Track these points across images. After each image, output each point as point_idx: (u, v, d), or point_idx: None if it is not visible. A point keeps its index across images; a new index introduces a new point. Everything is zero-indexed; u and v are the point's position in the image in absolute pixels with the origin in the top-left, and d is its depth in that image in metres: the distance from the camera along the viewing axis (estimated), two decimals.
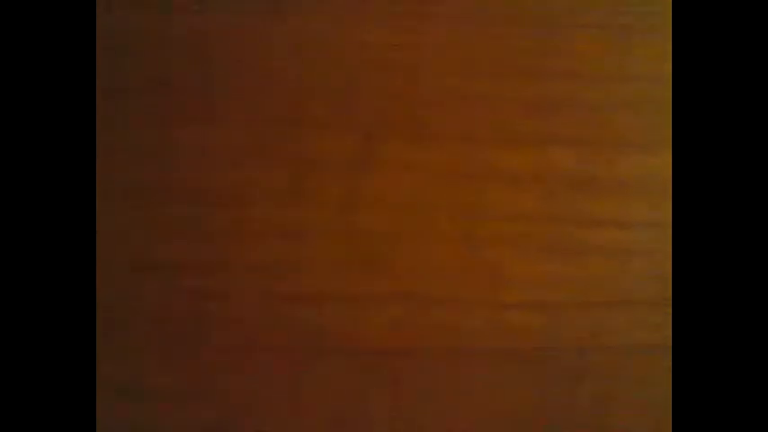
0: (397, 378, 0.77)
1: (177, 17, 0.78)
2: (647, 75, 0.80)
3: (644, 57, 0.80)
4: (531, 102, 0.79)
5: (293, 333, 0.77)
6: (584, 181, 0.79)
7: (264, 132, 0.78)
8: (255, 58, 0.78)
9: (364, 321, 0.77)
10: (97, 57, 0.77)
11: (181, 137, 0.77)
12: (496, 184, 0.78)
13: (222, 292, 0.76)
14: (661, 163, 0.79)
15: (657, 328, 0.78)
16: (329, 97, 0.78)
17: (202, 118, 0.78)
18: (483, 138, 0.78)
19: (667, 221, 0.78)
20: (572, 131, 0.79)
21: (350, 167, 0.78)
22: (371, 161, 0.78)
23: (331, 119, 0.78)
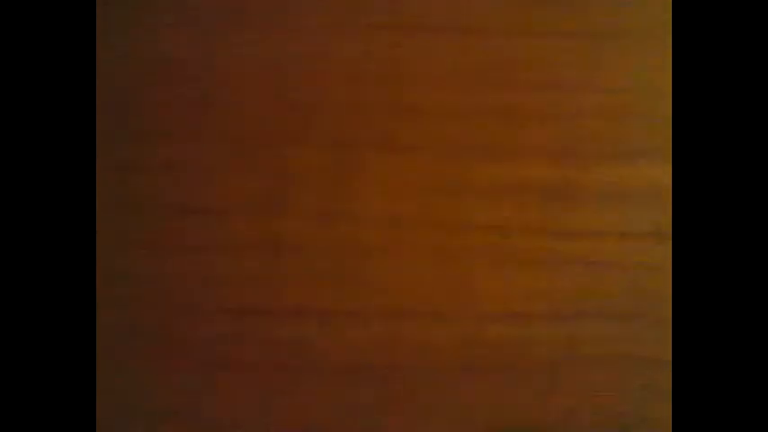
0: (376, 393, 0.77)
1: (162, 33, 0.78)
2: (622, 85, 0.79)
3: (618, 66, 0.79)
4: (506, 113, 0.79)
5: (272, 349, 0.77)
6: (559, 192, 0.78)
7: (242, 146, 0.78)
8: (231, 74, 0.78)
9: (343, 337, 0.77)
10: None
11: (159, 152, 0.78)
12: (471, 195, 0.78)
13: (198, 306, 0.77)
14: (637, 173, 0.79)
15: (632, 340, 0.78)
16: (305, 111, 0.78)
17: (180, 133, 0.78)
18: (458, 149, 0.78)
19: (642, 232, 0.78)
20: (546, 142, 0.79)
21: (326, 181, 0.78)
22: (347, 174, 0.78)
23: (307, 132, 0.78)
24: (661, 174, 0.78)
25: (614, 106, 0.79)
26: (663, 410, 0.77)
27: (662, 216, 0.78)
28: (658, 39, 0.79)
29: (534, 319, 0.77)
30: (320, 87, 0.78)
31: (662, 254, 0.77)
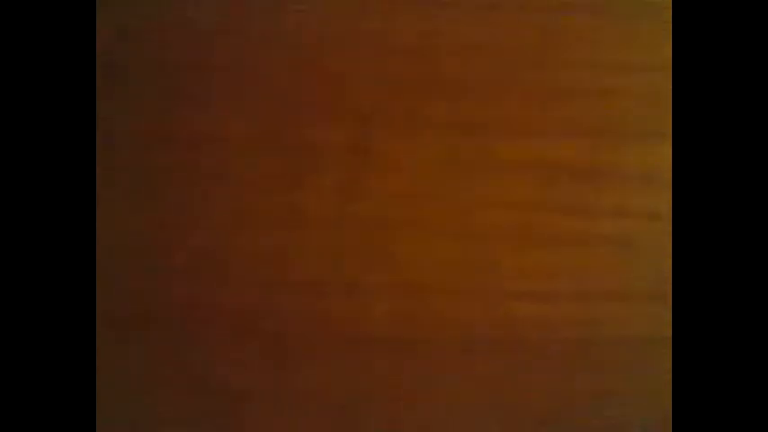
0: (396, 368, 0.76)
1: (176, 3, 0.77)
2: (654, 65, 0.78)
3: (651, 45, 0.78)
4: (533, 90, 0.78)
5: (291, 321, 0.77)
6: (586, 170, 0.78)
7: (263, 119, 0.77)
8: (255, 45, 0.78)
9: (363, 311, 0.77)
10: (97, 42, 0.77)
11: (177, 122, 0.77)
12: (496, 173, 0.78)
13: (220, 279, 0.76)
14: (666, 154, 0.78)
15: (657, 320, 0.77)
16: (328, 84, 0.78)
17: (199, 104, 0.77)
18: (483, 127, 0.78)
19: (669, 213, 0.77)
20: (574, 120, 0.78)
21: (348, 155, 0.77)
22: (370, 149, 0.77)
23: (330, 106, 0.77)
24: None
25: (646, 86, 0.78)
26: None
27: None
28: None
29: (559, 298, 0.77)
30: (345, 61, 0.78)
31: None
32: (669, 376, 0.77)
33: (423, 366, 0.77)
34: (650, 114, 0.78)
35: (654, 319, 0.77)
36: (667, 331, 0.77)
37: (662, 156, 0.78)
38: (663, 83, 0.78)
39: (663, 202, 0.78)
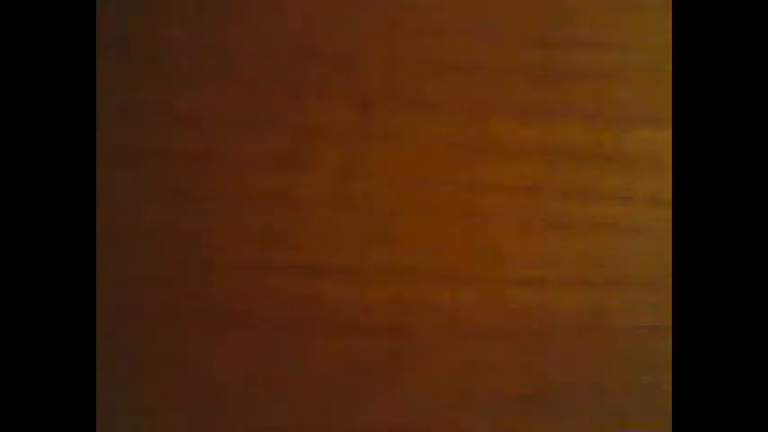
0: (393, 356, 0.75)
1: None
2: (660, 47, 0.77)
3: (660, 29, 0.77)
4: (537, 72, 0.76)
5: (284, 306, 0.75)
6: (590, 154, 0.76)
7: (263, 97, 0.76)
8: (256, 21, 0.76)
9: (362, 295, 0.75)
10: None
11: (178, 100, 0.75)
12: (499, 156, 0.76)
13: (213, 261, 0.75)
14: (669, 139, 0.77)
15: (659, 308, 0.76)
16: (330, 62, 0.76)
17: (200, 81, 0.75)
18: (486, 108, 0.76)
19: (671, 199, 0.76)
20: (579, 103, 0.76)
21: (349, 135, 0.76)
22: (371, 130, 0.76)
23: (331, 85, 0.76)
24: None
25: (651, 68, 0.77)
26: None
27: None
28: None
29: (561, 284, 0.76)
30: (349, 39, 0.76)
31: None
32: (670, 365, 0.76)
33: (420, 354, 0.75)
34: (654, 98, 0.77)
35: (657, 307, 0.76)
36: (670, 320, 0.76)
37: (665, 140, 0.77)
38: (666, 65, 0.77)
39: (666, 187, 0.77)
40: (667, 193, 0.76)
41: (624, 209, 0.76)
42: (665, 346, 0.76)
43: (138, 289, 0.74)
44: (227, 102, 0.75)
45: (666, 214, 0.76)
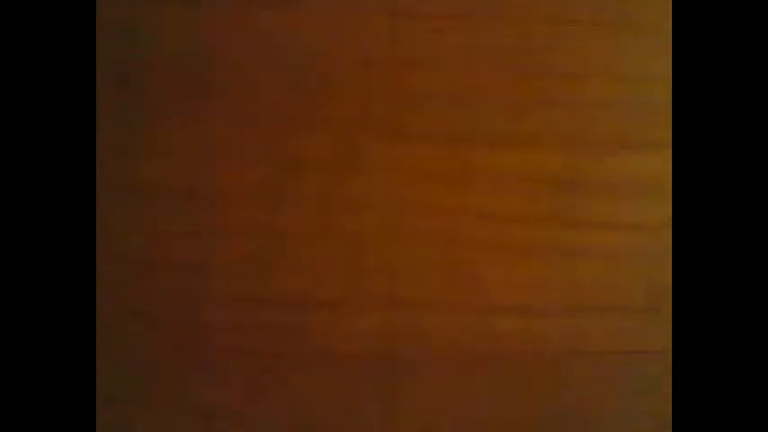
0: (379, 384, 0.75)
1: (169, 11, 0.76)
2: (638, 75, 0.78)
3: (635, 56, 0.78)
4: (518, 101, 0.77)
5: (271, 337, 0.75)
6: (571, 182, 0.77)
7: (247, 131, 0.76)
8: (240, 57, 0.76)
9: (348, 326, 0.75)
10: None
11: (161, 136, 0.75)
12: (481, 184, 0.76)
13: (198, 293, 0.75)
14: (651, 164, 0.77)
15: (645, 334, 0.76)
16: (311, 95, 0.76)
17: (184, 116, 0.76)
18: (467, 137, 0.77)
19: (656, 224, 0.76)
20: (560, 131, 0.77)
21: (332, 167, 0.76)
22: (353, 161, 0.76)
23: (313, 118, 0.76)
24: None
25: (632, 96, 0.77)
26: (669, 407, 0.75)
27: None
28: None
29: (545, 311, 0.76)
30: (327, 73, 0.76)
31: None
32: (658, 389, 0.76)
33: (406, 382, 0.75)
34: (639, 125, 0.77)
35: (643, 333, 0.76)
36: (657, 346, 0.76)
37: (651, 166, 0.77)
38: (653, 94, 0.77)
39: (650, 213, 0.77)
40: (649, 219, 0.77)
41: (607, 235, 0.76)
42: (651, 371, 0.76)
43: (121, 321, 0.74)
44: (212, 138, 0.76)
45: (651, 239, 0.76)
